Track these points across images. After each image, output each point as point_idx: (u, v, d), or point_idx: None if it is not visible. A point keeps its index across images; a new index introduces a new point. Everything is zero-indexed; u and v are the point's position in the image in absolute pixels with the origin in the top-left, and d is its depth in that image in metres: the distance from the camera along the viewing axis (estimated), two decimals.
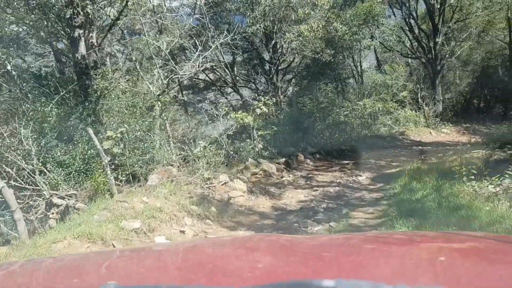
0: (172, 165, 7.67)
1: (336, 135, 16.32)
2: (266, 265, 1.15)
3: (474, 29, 19.57)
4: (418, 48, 20.15)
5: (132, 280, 1.12)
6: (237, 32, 18.66)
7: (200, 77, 24.04)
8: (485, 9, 19.56)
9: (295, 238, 1.74)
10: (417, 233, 2.62)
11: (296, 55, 15.10)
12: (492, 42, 20.26)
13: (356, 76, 20.44)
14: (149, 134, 8.01)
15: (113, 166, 6.84)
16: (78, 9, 8.47)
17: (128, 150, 7.08)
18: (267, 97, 11.31)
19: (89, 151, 7.02)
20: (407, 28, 20.24)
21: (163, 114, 8.26)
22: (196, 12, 17.12)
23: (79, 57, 9.11)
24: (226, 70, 18.48)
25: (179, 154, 8.20)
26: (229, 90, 22.10)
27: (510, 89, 20.47)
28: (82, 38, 9.05)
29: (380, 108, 17.09)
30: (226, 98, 21.63)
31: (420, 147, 13.69)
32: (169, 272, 1.19)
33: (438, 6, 18.88)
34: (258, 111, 10.18)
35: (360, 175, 8.67)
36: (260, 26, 13.88)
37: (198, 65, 10.52)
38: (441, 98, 20.01)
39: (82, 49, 9.08)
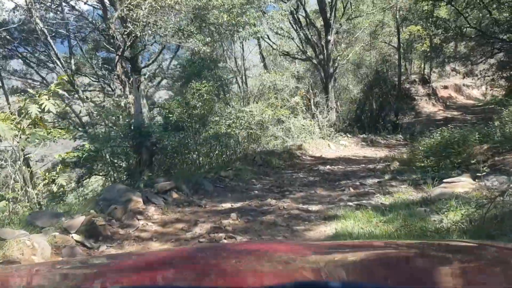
0: None
1: (217, 153, 11.14)
2: (269, 269, 1.09)
3: (365, 29, 16.40)
4: (308, 48, 16.24)
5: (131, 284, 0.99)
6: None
7: (35, 78, 16.94)
8: (373, 9, 16.62)
9: (296, 244, 1.76)
10: (417, 242, 2.15)
11: (152, 33, 9.42)
12: (384, 44, 17.45)
13: (239, 78, 15.68)
14: None
15: None
16: None
17: None
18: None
19: None
20: (295, 28, 16.23)
21: None
22: None
23: None
24: (58, 63, 12.01)
25: None
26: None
27: (401, 96, 17.86)
28: None
29: (271, 116, 12.48)
30: (69, 107, 14.94)
31: (328, 166, 9.17)
32: (171, 277, 1.08)
33: (329, 0, 15.21)
34: (33, 111, 4.31)
35: None
36: None
37: None
38: (335, 106, 16.34)
39: None
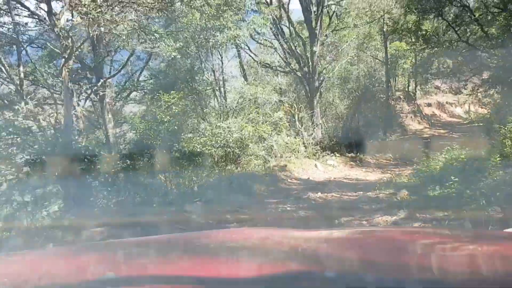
0: None
1: (187, 176, 9.32)
2: (267, 258, 1.03)
3: (352, 41, 15.10)
4: (292, 60, 14.77)
5: (129, 271, 0.98)
6: None
7: None
8: (359, 21, 15.38)
9: (297, 232, 1.59)
10: (418, 228, 2.17)
11: (106, 29, 7.66)
12: (371, 59, 16.19)
13: (217, 91, 14.02)
14: None
15: None
16: None
17: None
18: None
19: None
20: (277, 38, 14.78)
21: None
22: None
23: None
24: (4, 71, 10.09)
25: None
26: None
27: (389, 112, 16.55)
28: None
29: (251, 133, 10.83)
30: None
31: (319, 193, 7.49)
32: (168, 263, 1.03)
33: (315, 9, 13.86)
34: None
35: None
36: None
37: None
38: (320, 122, 14.84)
39: None
